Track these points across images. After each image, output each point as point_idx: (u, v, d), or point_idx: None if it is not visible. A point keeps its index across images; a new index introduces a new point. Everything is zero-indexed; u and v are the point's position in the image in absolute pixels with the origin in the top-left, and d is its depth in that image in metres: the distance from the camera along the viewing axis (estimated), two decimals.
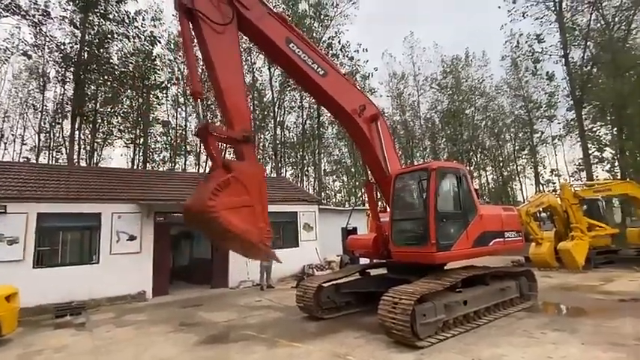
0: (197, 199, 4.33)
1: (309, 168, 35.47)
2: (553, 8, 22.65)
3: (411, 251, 6.32)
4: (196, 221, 4.35)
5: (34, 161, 25.24)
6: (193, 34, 4.97)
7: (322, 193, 32.21)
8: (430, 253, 5.87)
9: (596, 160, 22.46)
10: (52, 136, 27.14)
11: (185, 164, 30.22)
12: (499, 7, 25.30)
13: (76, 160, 23.47)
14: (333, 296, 7.34)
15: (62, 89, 24.51)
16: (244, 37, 6.45)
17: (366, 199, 8.06)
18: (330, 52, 27.07)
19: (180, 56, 28.18)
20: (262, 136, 32.77)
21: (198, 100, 4.65)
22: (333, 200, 38.77)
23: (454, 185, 6.65)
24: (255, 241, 4.41)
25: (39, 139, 27.15)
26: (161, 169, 27.10)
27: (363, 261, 10.70)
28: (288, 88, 30.07)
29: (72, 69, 20.25)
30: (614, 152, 21.55)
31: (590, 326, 5.75)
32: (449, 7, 65.89)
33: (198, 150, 30.77)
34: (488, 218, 6.92)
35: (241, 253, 5.31)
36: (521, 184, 35.80)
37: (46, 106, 26.68)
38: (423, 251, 5.99)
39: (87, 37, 19.91)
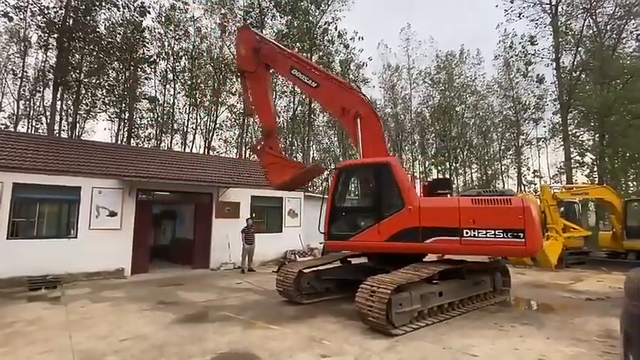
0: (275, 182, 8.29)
1: (298, 155, 35.31)
2: (549, 11, 22.84)
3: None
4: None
5: (12, 129, 24.32)
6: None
7: (309, 181, 32.22)
8: (325, 241, 7.15)
9: (577, 164, 23.09)
10: (32, 104, 26.15)
11: (171, 143, 29.66)
12: (497, 5, 25.46)
13: (56, 131, 22.71)
14: (312, 282, 7.42)
15: (44, 56, 23.55)
16: None
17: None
18: (326, 37, 26.66)
19: (171, 30, 27.38)
20: (252, 119, 32.32)
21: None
22: (320, 188, 38.84)
23: (370, 181, 6.98)
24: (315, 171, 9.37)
25: (18, 107, 26.14)
26: (146, 146, 26.52)
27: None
28: None
29: (55, 35, 19.39)
30: (594, 158, 22.18)
31: (557, 322, 6.00)
32: (449, 3, 65.65)
33: (185, 129, 30.22)
34: (428, 212, 6.27)
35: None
36: (503, 184, 36.57)
37: (27, 72, 25.60)
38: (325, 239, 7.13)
39: (73, 3, 19.03)
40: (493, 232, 5.87)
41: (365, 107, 7.55)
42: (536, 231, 5.88)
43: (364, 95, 7.89)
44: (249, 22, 27.08)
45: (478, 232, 5.92)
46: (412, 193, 6.60)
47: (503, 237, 5.82)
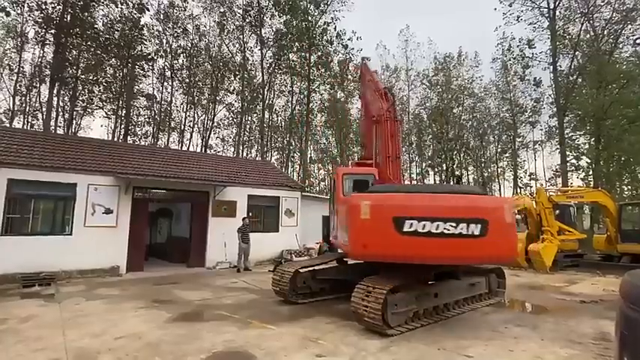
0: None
1: (295, 154, 35.31)
2: (547, 15, 22.96)
3: None
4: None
5: (7, 125, 24.12)
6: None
7: (306, 181, 32.22)
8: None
9: (573, 167, 23.23)
10: (27, 100, 25.98)
11: (168, 141, 29.55)
12: (495, 8, 25.50)
13: (52, 128, 22.60)
14: (308, 282, 7.41)
15: (41, 52, 23.39)
16: None
17: None
18: (325, 37, 26.65)
19: (169, 28, 27.30)
20: (249, 118, 32.30)
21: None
22: (317, 188, 38.87)
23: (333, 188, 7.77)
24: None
25: (13, 103, 25.95)
26: (143, 143, 26.41)
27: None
28: (279, 72, 29.52)
29: (53, 31, 19.28)
30: (589, 161, 22.33)
31: (551, 324, 6.03)
32: (449, 5, 65.90)
33: (182, 127, 30.12)
34: (337, 214, 7.18)
35: None
36: (500, 186, 36.77)
37: (23, 67, 25.43)
38: None
39: None
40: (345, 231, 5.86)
41: (379, 111, 7.65)
42: (355, 233, 5.24)
43: (387, 99, 7.87)
44: (247, 20, 27.02)
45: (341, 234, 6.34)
46: (341, 197, 7.07)
47: (347, 237, 5.66)
